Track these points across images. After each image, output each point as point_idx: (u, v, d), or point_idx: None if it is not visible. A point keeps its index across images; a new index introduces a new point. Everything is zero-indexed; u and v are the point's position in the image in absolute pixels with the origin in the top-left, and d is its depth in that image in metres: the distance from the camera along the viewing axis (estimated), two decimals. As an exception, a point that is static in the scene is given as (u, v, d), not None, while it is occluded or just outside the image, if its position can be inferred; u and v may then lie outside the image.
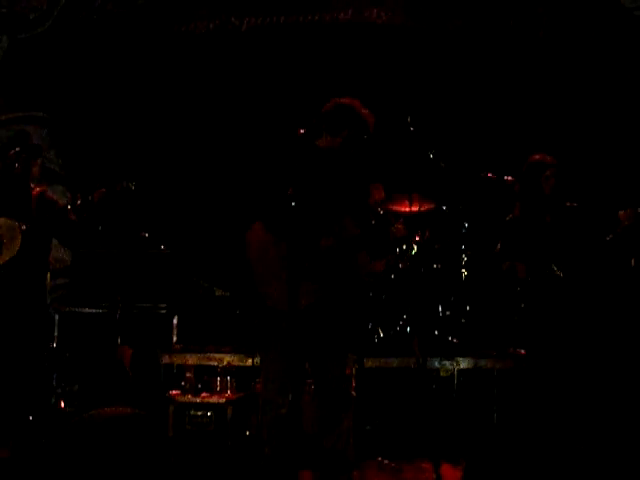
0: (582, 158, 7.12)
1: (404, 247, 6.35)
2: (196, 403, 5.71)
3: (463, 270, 6.24)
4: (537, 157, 5.17)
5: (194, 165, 8.04)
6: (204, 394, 5.75)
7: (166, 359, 6.26)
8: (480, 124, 7.68)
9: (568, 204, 5.06)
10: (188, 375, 5.81)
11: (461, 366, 5.99)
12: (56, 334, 6.42)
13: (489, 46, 7.96)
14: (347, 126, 4.34)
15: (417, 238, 6.28)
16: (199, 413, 5.67)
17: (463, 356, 6.02)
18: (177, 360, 6.24)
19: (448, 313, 6.23)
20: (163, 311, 6.67)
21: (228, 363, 5.83)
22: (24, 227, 5.39)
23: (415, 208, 6.23)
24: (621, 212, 4.82)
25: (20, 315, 5.64)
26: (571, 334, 4.84)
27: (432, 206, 6.21)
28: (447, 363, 5.97)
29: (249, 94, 7.98)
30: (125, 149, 8.20)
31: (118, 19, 8.40)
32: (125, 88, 8.27)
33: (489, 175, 5.88)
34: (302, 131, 4.18)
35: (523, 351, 5.59)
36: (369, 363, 5.77)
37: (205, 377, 5.94)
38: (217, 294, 7.70)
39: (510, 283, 4.94)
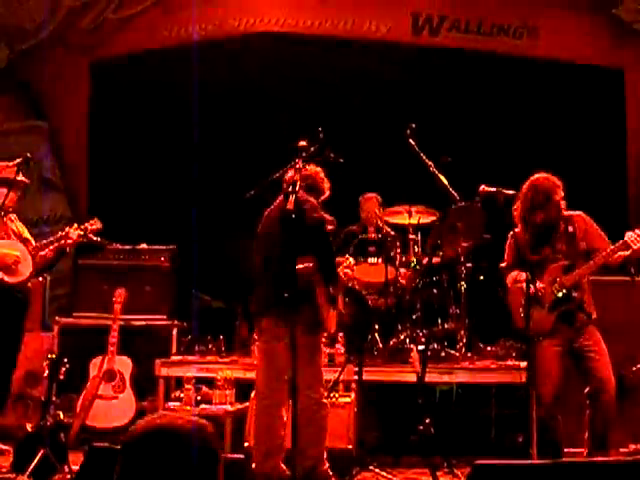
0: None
1: (403, 259, 6.36)
2: (195, 415, 5.66)
3: (462, 283, 6.22)
4: (542, 180, 4.85)
5: (192, 178, 8.03)
6: (203, 406, 5.73)
7: (165, 371, 6.23)
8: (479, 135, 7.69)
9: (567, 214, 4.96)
10: (187, 387, 5.79)
11: (460, 379, 5.97)
12: (56, 344, 6.40)
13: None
14: None
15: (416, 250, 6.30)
16: (198, 425, 5.62)
17: (462, 369, 5.99)
18: (176, 372, 6.21)
19: (447, 326, 6.21)
20: (162, 322, 6.66)
21: (227, 375, 5.79)
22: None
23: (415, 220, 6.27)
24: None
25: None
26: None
27: (433, 218, 6.19)
28: (446, 376, 5.94)
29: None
30: (123, 156, 8.20)
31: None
32: (124, 93, 8.30)
33: (485, 188, 5.88)
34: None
35: (522, 364, 5.58)
36: (368, 375, 5.74)
37: (204, 389, 5.93)
38: (214, 306, 7.69)
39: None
